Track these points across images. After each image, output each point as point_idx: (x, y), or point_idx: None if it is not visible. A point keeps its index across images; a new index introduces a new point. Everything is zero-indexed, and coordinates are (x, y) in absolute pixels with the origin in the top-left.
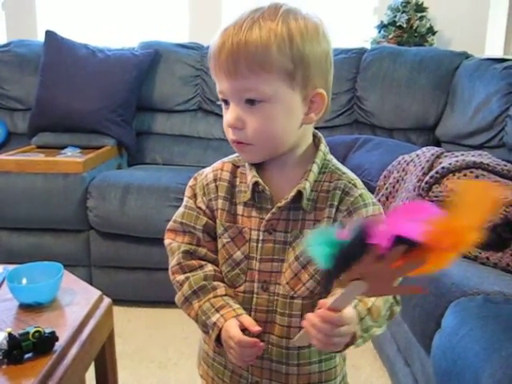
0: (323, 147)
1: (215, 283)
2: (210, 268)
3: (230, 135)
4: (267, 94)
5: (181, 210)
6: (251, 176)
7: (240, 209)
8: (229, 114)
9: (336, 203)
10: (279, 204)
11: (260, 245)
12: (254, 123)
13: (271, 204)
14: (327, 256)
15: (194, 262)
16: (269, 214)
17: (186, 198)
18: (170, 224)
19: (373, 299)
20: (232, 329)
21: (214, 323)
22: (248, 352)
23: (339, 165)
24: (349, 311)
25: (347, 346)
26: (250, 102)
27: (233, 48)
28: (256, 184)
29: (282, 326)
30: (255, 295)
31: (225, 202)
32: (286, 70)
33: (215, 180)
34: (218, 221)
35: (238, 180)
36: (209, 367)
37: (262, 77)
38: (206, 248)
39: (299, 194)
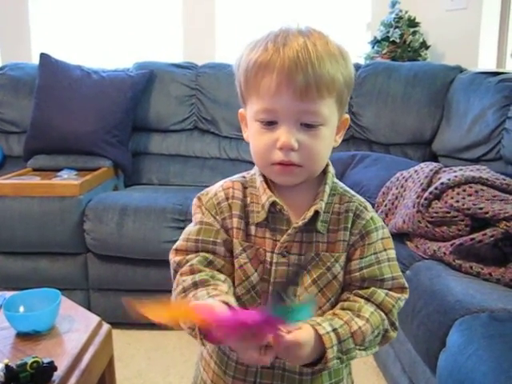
0: (331, 169)
1: (219, 281)
2: (222, 276)
3: (280, 157)
4: (326, 117)
5: (194, 227)
6: (267, 196)
7: (253, 229)
8: (284, 135)
9: (349, 226)
10: (296, 224)
11: (274, 267)
12: (309, 144)
13: (287, 225)
14: None
15: (207, 270)
16: (285, 236)
17: (198, 216)
18: (180, 243)
19: (360, 323)
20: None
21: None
22: None
23: (346, 187)
24: (300, 335)
25: (322, 365)
26: (308, 125)
27: (307, 70)
28: (273, 204)
29: None
30: None
31: (240, 220)
32: (341, 93)
33: (227, 198)
34: (235, 240)
35: (248, 199)
36: None
37: (325, 100)
38: (224, 262)
39: (315, 214)
